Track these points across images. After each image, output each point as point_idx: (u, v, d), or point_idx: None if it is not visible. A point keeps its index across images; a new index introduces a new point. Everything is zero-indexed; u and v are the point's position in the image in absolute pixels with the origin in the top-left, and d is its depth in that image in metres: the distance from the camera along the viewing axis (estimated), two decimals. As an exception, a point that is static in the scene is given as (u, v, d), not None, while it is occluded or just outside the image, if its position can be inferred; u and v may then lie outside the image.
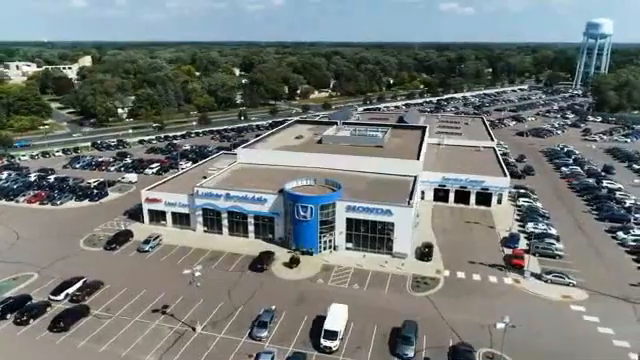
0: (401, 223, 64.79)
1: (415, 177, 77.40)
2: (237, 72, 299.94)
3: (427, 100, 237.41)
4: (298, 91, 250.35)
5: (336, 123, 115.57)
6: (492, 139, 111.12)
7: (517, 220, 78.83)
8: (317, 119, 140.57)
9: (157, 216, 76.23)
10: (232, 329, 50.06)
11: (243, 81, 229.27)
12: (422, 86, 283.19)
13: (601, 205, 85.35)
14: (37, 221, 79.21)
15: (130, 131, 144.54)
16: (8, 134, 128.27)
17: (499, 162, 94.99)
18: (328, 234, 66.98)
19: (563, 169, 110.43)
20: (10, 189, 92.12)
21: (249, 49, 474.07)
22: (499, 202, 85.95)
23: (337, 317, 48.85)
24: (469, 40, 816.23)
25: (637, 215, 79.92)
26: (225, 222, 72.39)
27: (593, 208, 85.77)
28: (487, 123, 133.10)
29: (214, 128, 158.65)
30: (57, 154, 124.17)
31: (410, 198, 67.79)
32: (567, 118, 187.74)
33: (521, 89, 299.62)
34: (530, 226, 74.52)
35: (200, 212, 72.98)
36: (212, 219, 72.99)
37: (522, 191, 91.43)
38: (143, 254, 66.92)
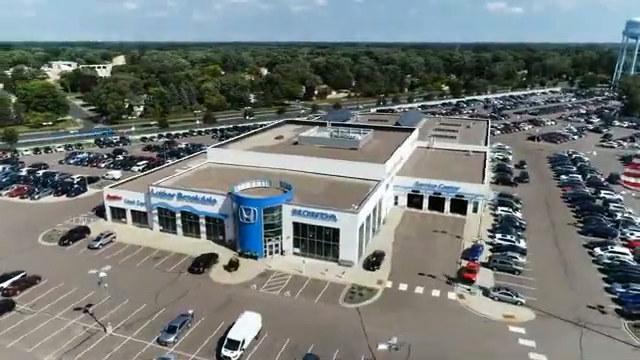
0: (346, 230, 61.94)
1: (378, 181, 74.25)
2: (265, 72, 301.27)
3: (446, 102, 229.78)
4: (316, 91, 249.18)
5: (325, 124, 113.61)
6: (486, 144, 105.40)
7: (490, 230, 74.26)
8: (309, 120, 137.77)
9: (118, 213, 76.79)
10: (145, 332, 49.17)
11: (260, 81, 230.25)
12: (445, 87, 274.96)
13: (589, 217, 78.88)
14: (10, 214, 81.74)
15: (133, 128, 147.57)
16: (14, 129, 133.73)
17: (483, 168, 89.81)
18: (274, 238, 65.09)
19: (562, 177, 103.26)
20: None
21: (283, 49, 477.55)
22: (474, 210, 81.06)
23: (245, 326, 46.96)
24: (515, 40, 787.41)
25: (625, 230, 73.25)
26: (179, 222, 71.89)
27: (580, 220, 79.50)
28: (489, 127, 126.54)
29: (218, 127, 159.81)
30: (59, 149, 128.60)
31: (361, 204, 64.75)
32: (591, 122, 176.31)
33: (553, 91, 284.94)
34: (497, 237, 69.77)
35: (156, 211, 72.90)
36: (167, 218, 72.69)
37: (505, 199, 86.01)
38: (93, 251, 67.40)
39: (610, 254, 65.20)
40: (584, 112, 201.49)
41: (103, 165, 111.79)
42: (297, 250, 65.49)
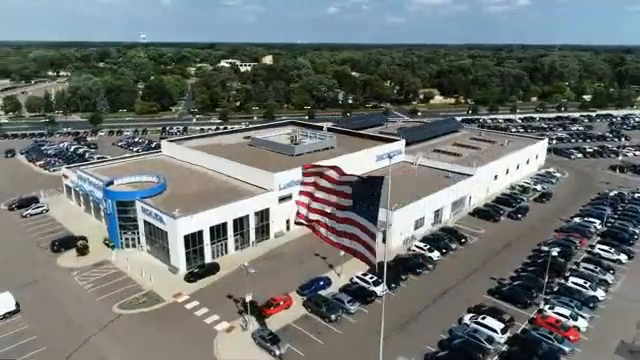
0: (173, 235, 59.64)
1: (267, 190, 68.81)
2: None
3: (563, 116, 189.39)
4: (421, 95, 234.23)
5: (321, 128, 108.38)
6: (475, 167, 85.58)
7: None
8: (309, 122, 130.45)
9: (69, 191, 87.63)
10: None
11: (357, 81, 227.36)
12: (586, 97, 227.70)
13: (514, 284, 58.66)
14: (18, 180, 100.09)
15: (194, 120, 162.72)
16: (98, 114, 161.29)
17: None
18: (131, 232, 66.40)
19: (575, 220, 77.95)
20: (41, 154, 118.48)
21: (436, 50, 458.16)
22: (383, 241, 67.91)
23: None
24: None
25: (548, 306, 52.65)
26: (91, 205, 78.66)
27: (498, 280, 59.83)
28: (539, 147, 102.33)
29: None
30: (126, 133, 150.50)
31: (203, 210, 61.18)
32: None
33: None
34: (362, 278, 57.83)
35: (80, 192, 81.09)
36: (87, 201, 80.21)
37: (444, 237, 69.76)
38: (22, 218, 78.90)
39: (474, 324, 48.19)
40: None
41: (135, 149, 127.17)
42: (149, 248, 65.71)
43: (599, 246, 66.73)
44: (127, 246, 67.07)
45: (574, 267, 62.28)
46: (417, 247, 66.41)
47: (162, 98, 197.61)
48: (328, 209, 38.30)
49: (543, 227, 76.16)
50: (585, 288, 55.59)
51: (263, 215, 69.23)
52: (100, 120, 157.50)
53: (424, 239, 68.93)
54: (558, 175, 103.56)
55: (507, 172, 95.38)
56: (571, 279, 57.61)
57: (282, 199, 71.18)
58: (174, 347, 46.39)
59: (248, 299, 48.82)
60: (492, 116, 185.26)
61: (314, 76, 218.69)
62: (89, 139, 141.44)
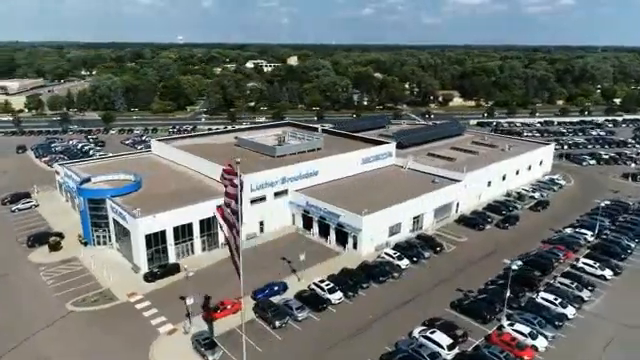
0: (135, 233, 59.80)
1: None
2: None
3: (586, 120, 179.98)
4: (440, 97, 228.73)
5: (316, 129, 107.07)
6: (464, 172, 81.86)
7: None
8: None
9: (60, 187, 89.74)
10: None
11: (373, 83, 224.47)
12: (617, 100, 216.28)
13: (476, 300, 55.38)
14: (18, 175, 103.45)
15: (203, 119, 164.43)
16: (110, 112, 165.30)
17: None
18: (102, 230, 67.12)
19: (566, 230, 73.40)
20: (48, 151, 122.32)
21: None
22: (354, 247, 66.05)
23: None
24: None
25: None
26: (76, 201, 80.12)
27: (466, 292, 56.66)
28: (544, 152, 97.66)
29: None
30: (136, 131, 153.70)
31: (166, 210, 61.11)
32: None
33: None
34: (323, 284, 56.14)
35: (66, 189, 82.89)
36: (72, 197, 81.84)
37: (417, 244, 67.11)
38: (11, 212, 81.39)
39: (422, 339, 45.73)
40: None
41: (139, 147, 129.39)
42: (118, 246, 66.22)
43: (583, 260, 62.47)
44: (99, 243, 67.84)
45: (551, 281, 58.57)
46: (386, 254, 64.07)
47: (178, 98, 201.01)
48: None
49: (530, 237, 72.03)
50: (554, 305, 51.98)
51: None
52: (112, 118, 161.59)
53: (396, 246, 66.46)
54: (562, 182, 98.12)
55: (503, 178, 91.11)
56: (541, 294, 54.03)
57: (254, 201, 70.35)
58: (111, 348, 46.20)
59: (189, 302, 48.17)
60: (510, 119, 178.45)
61: (328, 77, 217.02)
62: (93, 137, 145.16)
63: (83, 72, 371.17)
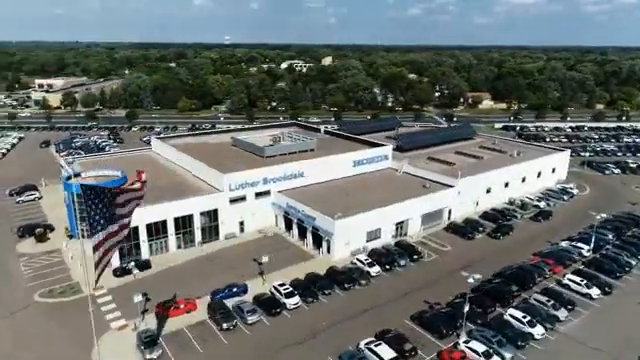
0: (107, 229, 60.91)
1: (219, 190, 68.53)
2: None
3: (624, 126, 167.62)
4: (470, 99, 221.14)
5: (319, 130, 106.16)
6: (458, 177, 77.96)
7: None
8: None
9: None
10: None
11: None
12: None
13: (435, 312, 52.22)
14: (33, 168, 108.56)
15: (222, 118, 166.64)
16: (135, 110, 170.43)
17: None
18: (86, 223, 68.83)
19: (561, 244, 68.34)
20: (68, 146, 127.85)
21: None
22: (328, 251, 64.36)
23: None
24: None
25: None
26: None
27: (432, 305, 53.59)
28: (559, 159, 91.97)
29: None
30: (157, 129, 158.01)
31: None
32: None
33: None
34: (281, 289, 54.99)
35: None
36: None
37: (395, 251, 64.64)
38: (17, 203, 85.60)
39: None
40: None
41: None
42: (99, 240, 67.78)
43: (569, 276, 57.93)
44: (83, 237, 69.52)
45: (528, 297, 54.67)
46: (358, 260, 62.04)
47: (204, 97, 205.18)
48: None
49: (521, 249, 67.66)
50: (521, 323, 48.36)
51: (211, 215, 68.66)
52: (135, 116, 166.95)
53: (372, 253, 64.25)
54: (575, 192, 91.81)
55: (506, 185, 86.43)
56: (510, 311, 50.48)
57: (233, 200, 70.12)
58: (58, 340, 47.22)
59: (136, 300, 48.41)
60: (538, 123, 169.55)
61: (352, 78, 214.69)
62: (115, 134, 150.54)
63: (126, 71, 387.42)
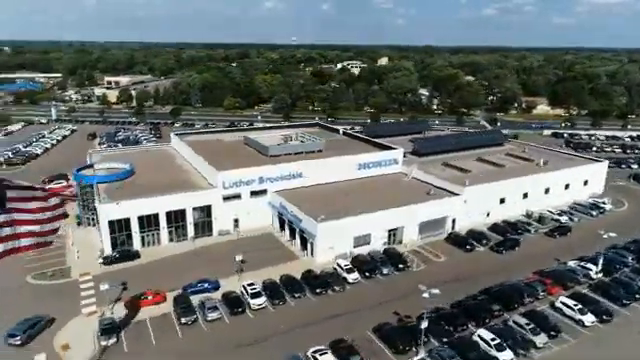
0: (100, 219, 64.10)
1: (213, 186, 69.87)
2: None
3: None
4: (523, 104, 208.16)
5: (338, 131, 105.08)
6: (465, 185, 73.36)
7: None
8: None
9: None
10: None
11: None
12: None
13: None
14: (74, 158, 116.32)
15: (259, 117, 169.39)
16: (180, 107, 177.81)
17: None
18: (91, 212, 72.85)
19: (569, 264, 62.04)
20: (110, 139, 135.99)
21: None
22: (312, 253, 63.12)
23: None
24: None
25: None
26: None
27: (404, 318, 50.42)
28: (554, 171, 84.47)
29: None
30: (176, 125, 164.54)
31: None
32: None
33: None
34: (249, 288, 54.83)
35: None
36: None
37: (379, 258, 62.19)
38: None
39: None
40: None
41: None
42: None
43: (563, 299, 52.58)
44: (89, 224, 73.92)
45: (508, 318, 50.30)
46: (338, 265, 60.34)
47: (249, 96, 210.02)
48: None
49: (523, 266, 62.44)
50: (489, 346, 44.58)
51: (205, 211, 69.89)
52: (179, 113, 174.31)
53: (354, 259, 62.22)
54: (608, 207, 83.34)
55: (525, 196, 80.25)
56: (480, 331, 46.69)
57: (228, 198, 70.86)
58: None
59: (102, 288, 50.14)
60: (593, 131, 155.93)
61: (398, 79, 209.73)
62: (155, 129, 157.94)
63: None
